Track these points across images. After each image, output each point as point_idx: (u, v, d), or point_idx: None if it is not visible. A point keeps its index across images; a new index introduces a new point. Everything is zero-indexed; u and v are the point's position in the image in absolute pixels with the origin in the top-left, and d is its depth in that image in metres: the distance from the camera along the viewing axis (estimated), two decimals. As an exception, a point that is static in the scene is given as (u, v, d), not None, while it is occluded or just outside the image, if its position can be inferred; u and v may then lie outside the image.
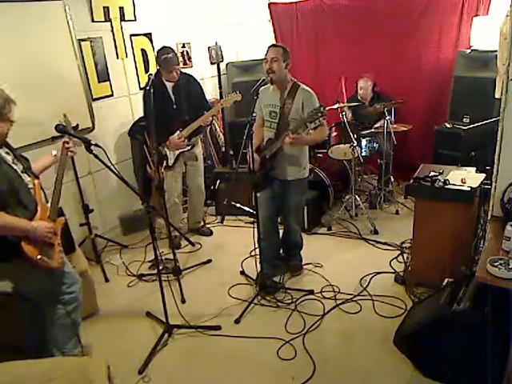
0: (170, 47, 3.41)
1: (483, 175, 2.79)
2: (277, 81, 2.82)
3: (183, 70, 3.67)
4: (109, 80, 3.93)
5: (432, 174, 2.85)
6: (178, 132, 3.55)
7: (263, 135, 3.05)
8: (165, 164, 3.64)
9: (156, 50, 3.42)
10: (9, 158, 2.11)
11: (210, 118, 3.57)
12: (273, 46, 2.86)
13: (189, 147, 3.63)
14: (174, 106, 3.55)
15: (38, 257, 2.07)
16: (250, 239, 2.96)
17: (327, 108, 4.00)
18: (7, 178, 2.03)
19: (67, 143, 2.36)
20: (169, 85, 3.51)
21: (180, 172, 3.83)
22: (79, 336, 2.42)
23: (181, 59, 4.64)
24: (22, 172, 2.14)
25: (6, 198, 2.01)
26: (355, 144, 3.80)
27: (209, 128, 4.58)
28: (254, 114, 2.73)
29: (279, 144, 2.82)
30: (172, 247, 3.29)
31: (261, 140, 3.04)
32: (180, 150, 3.61)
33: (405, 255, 3.46)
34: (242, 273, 3.42)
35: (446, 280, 2.59)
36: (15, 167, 2.12)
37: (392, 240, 3.70)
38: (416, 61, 4.58)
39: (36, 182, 2.21)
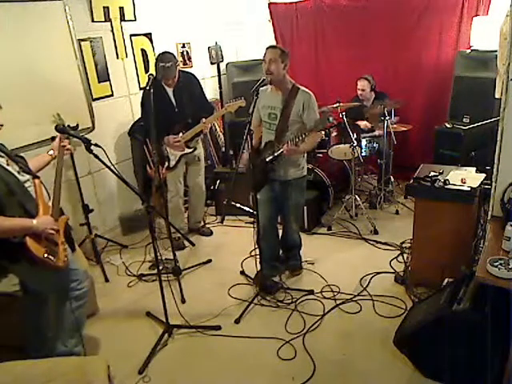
0: (171, 55, 3.34)
1: (483, 175, 2.79)
2: (275, 82, 2.82)
3: (184, 69, 3.65)
4: (109, 80, 3.93)
5: (432, 173, 2.85)
6: (181, 134, 3.54)
7: (260, 136, 3.05)
8: (166, 165, 3.63)
9: (157, 54, 3.36)
10: (3, 161, 2.10)
11: (209, 125, 3.54)
12: (271, 47, 2.84)
13: (191, 149, 3.62)
14: (176, 110, 3.53)
15: (45, 255, 2.07)
16: (250, 239, 2.97)
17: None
18: (3, 181, 2.02)
19: (62, 141, 2.38)
20: (169, 88, 3.49)
21: (181, 172, 3.82)
22: (82, 336, 2.42)
23: (181, 59, 4.65)
24: (18, 172, 2.14)
25: (3, 202, 2.00)
26: (355, 144, 3.80)
27: (208, 128, 4.57)
28: (249, 111, 2.76)
29: (280, 150, 2.82)
30: (173, 248, 3.26)
31: (259, 141, 3.05)
32: (182, 153, 3.60)
33: (405, 255, 3.46)
34: (242, 273, 3.42)
35: (446, 280, 2.59)
36: (10, 169, 2.11)
37: (392, 240, 3.70)
38: (416, 61, 4.58)
39: (36, 181, 2.20)
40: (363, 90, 4.45)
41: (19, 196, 2.08)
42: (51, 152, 2.43)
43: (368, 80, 4.43)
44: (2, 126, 2.12)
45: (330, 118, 2.58)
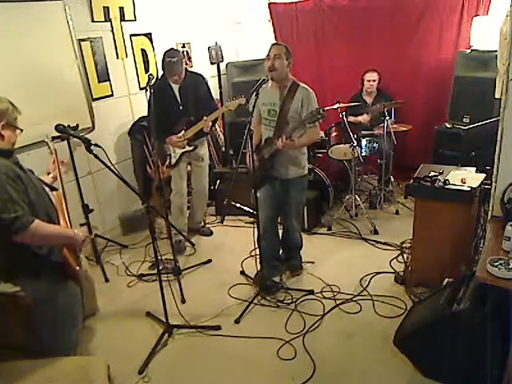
0: (177, 51, 3.38)
1: (483, 175, 2.79)
2: (277, 78, 2.83)
3: (191, 69, 3.67)
4: (109, 80, 3.93)
5: (432, 173, 2.85)
6: (183, 132, 3.55)
7: (261, 134, 3.05)
8: (167, 162, 3.64)
9: (164, 51, 3.39)
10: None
11: (210, 123, 3.55)
12: (276, 44, 2.87)
13: (191, 147, 3.62)
14: (181, 108, 3.53)
15: (77, 268, 2.04)
16: (250, 239, 2.96)
17: (327, 108, 4.07)
18: (35, 187, 1.98)
19: (61, 161, 2.36)
20: (175, 86, 3.50)
21: (185, 172, 3.80)
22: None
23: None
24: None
25: (36, 208, 1.94)
26: (355, 144, 3.80)
27: (209, 126, 4.57)
28: (249, 109, 2.77)
29: (275, 146, 2.82)
30: (173, 248, 3.26)
31: (259, 139, 3.05)
32: (183, 150, 3.61)
33: (405, 255, 3.46)
34: (242, 273, 3.42)
35: (446, 280, 2.59)
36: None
37: (392, 240, 3.70)
38: (416, 61, 4.58)
39: (54, 193, 2.18)
40: (374, 81, 4.46)
41: (46, 204, 2.03)
42: (51, 174, 2.39)
43: (377, 72, 4.46)
44: (22, 130, 2.04)
45: (320, 110, 2.60)
